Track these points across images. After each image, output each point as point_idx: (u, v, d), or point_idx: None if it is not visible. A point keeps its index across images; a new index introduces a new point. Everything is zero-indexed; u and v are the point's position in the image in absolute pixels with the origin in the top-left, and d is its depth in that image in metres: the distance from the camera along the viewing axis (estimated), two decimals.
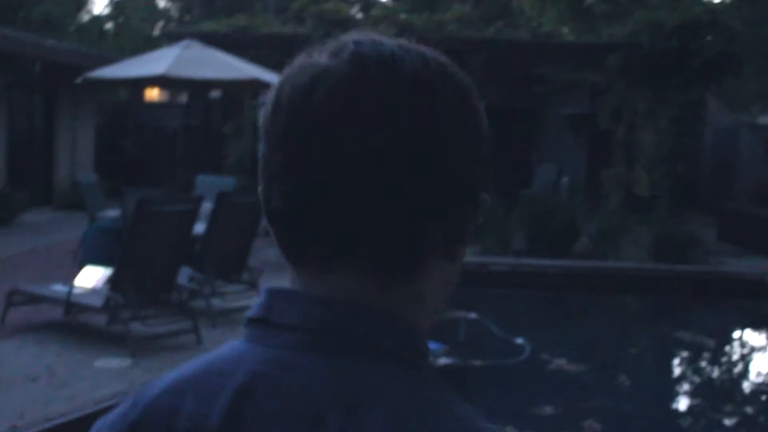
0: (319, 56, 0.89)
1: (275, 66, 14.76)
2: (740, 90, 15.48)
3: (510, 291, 12.77)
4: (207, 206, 8.85)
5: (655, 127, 15.37)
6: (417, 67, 0.88)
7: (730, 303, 12.52)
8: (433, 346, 9.30)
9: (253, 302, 0.94)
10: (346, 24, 17.13)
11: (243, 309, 8.87)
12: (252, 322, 0.91)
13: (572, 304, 12.45)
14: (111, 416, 0.95)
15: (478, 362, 8.89)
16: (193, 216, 7.78)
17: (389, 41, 0.91)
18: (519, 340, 9.65)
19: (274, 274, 11.00)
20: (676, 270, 12.94)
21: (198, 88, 13.46)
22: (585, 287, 12.62)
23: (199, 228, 8.68)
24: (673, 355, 10.15)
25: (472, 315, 11.18)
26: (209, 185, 11.97)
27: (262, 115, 0.94)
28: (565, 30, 20.21)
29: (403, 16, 17.18)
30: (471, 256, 13.76)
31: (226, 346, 0.92)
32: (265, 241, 12.02)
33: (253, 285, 8.96)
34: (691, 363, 9.80)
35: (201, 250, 8.77)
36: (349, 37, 0.91)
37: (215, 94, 18.18)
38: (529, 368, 8.77)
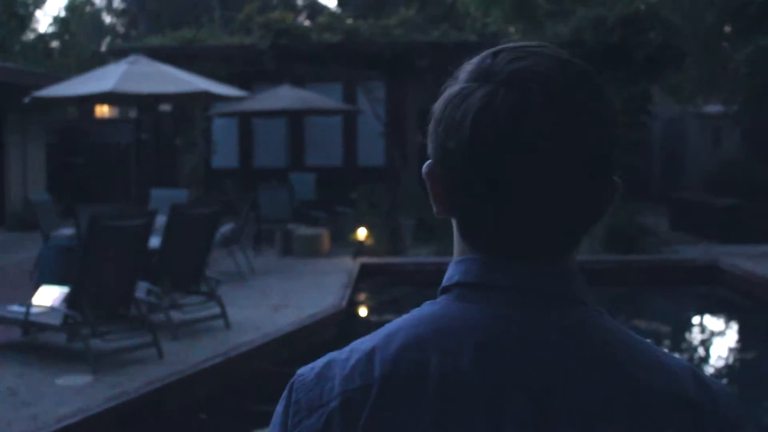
0: (491, 84, 1.05)
1: (224, 77, 14.80)
2: (684, 81, 15.76)
3: None
4: (162, 219, 8.86)
5: None
6: (589, 70, 1.09)
7: (684, 289, 12.76)
8: None
9: (450, 272, 1.12)
10: (292, 32, 17.16)
11: (202, 320, 8.90)
12: (460, 285, 1.09)
13: None
14: (337, 371, 1.08)
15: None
16: (147, 230, 7.80)
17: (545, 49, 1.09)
18: None
19: (231, 283, 11.05)
20: (628, 260, 13.16)
21: (147, 102, 13.44)
22: None
23: (155, 241, 8.69)
24: None
25: None
26: (163, 198, 11.97)
27: (442, 138, 1.07)
28: (511, 29, 20.37)
29: (349, 22, 17.27)
30: (428, 257, 13.89)
31: (437, 307, 1.09)
32: (221, 251, 12.05)
33: (211, 296, 8.98)
34: None
35: (157, 264, 8.77)
36: (509, 54, 1.08)
37: (165, 107, 18.13)
38: None
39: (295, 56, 16.67)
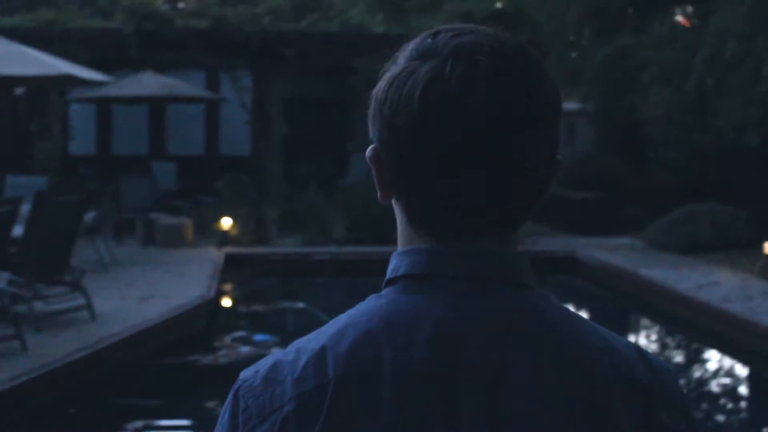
0: (448, 62, 1.04)
1: (84, 61, 14.34)
2: None
3: (333, 279, 12.94)
4: (25, 207, 8.53)
5: None
6: (531, 50, 1.09)
7: (544, 279, 13.10)
8: (263, 338, 9.33)
9: (395, 263, 1.10)
10: (158, 17, 16.77)
11: (67, 311, 8.62)
12: (407, 277, 1.08)
13: None
14: (286, 373, 1.04)
15: None
16: (11, 218, 7.51)
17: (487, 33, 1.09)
18: None
19: (93, 274, 10.74)
20: None
21: (3, 84, 12.90)
22: None
23: (17, 230, 8.37)
24: None
25: (300, 304, 11.28)
26: (20, 186, 11.55)
27: (388, 117, 1.06)
28: (377, 20, 20.51)
29: (216, 8, 17.01)
30: (293, 247, 13.85)
31: (384, 301, 1.08)
32: (81, 241, 11.69)
33: (76, 286, 8.71)
34: None
35: (20, 253, 8.44)
36: (456, 36, 1.07)
37: (18, 91, 17.44)
38: None
39: (161, 42, 16.31)
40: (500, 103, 1.02)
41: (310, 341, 1.07)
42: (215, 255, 12.89)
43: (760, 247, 11.88)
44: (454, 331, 1.02)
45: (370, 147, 1.11)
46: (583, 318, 1.10)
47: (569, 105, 20.51)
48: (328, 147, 20.70)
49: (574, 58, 14.89)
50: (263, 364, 1.08)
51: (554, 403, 1.01)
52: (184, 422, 7.28)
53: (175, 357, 8.50)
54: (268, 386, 1.05)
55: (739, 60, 11.41)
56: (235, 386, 1.08)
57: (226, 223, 13.97)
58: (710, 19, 12.36)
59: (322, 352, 1.04)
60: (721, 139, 13.52)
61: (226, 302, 11.36)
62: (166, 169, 17.29)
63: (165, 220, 14.11)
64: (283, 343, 9.19)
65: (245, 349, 8.96)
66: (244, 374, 1.09)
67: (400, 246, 1.12)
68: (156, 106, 18.43)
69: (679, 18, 17.17)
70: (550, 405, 1.01)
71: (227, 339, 9.27)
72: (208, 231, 14.28)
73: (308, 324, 10.33)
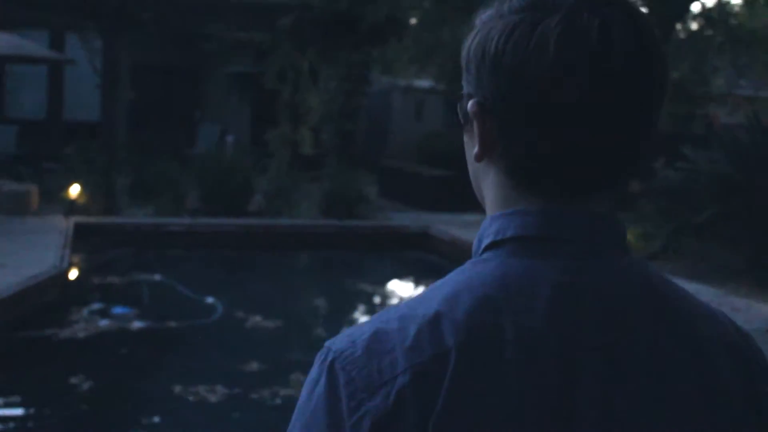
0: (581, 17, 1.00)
1: None
2: (401, 54, 16.35)
3: (187, 251, 12.74)
4: None
5: (322, 87, 15.87)
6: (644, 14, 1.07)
7: (398, 254, 13.35)
8: (122, 310, 9.12)
9: (498, 225, 1.04)
10: None
11: None
12: (517, 240, 1.02)
13: (251, 262, 12.66)
14: (394, 342, 0.97)
15: (173, 324, 8.81)
16: None
17: None
18: (209, 300, 9.69)
19: None
20: (347, 225, 13.53)
21: None
22: (262, 245, 12.87)
23: None
24: (353, 304, 10.73)
25: (157, 276, 11.06)
26: None
27: (510, 70, 1.01)
28: None
29: None
30: (145, 218, 13.52)
31: (494, 264, 1.01)
32: None
33: None
34: (369, 309, 10.32)
35: None
36: None
37: None
38: (227, 326, 8.85)
39: None
40: (638, 56, 1.00)
41: (416, 308, 0.99)
42: (63, 224, 12.44)
43: None
44: (572, 297, 0.99)
45: (472, 101, 1.04)
46: (677, 283, 1.08)
47: (420, 83, 20.84)
48: (175, 115, 20.31)
49: (427, 37, 15.08)
50: (358, 334, 0.99)
51: (670, 370, 1.00)
52: (41, 397, 7.02)
53: (31, 330, 8.19)
54: (373, 357, 0.96)
55: None
56: (327, 357, 0.99)
57: (74, 191, 13.51)
58: None
59: (437, 318, 0.97)
60: None
61: (81, 273, 11.00)
62: (5, 133, 16.59)
63: (8, 186, 13.53)
64: (143, 316, 9.03)
65: (104, 322, 8.74)
66: (337, 345, 1.00)
67: (495, 209, 1.07)
68: None
69: None
70: (666, 373, 1.00)
71: (84, 312, 9.01)
72: (54, 199, 13.77)
73: (167, 296, 10.16)
